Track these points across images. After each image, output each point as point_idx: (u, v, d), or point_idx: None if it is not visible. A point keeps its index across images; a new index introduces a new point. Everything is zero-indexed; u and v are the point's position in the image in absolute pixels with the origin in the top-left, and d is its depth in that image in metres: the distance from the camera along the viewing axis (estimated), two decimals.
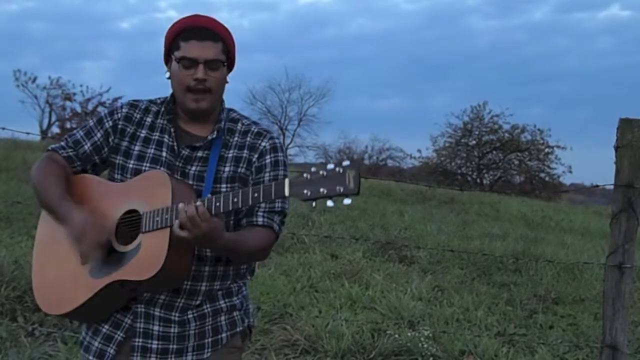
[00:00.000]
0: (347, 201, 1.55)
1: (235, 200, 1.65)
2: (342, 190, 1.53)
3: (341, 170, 1.54)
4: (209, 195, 1.73)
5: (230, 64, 1.93)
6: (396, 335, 4.28)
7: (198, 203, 1.67)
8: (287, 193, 1.58)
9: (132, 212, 1.82)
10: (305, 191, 1.56)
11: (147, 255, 1.74)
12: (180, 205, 1.67)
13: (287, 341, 4.21)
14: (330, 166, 1.57)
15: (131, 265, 1.76)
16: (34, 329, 3.99)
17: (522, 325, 5.08)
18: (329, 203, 1.56)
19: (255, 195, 1.63)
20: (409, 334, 4.31)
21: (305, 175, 1.58)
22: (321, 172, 1.56)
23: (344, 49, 59.67)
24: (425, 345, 4.15)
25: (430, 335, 4.35)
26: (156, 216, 1.74)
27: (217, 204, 1.67)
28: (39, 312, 4.07)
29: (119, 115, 1.96)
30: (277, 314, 4.72)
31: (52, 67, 51.93)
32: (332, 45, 59.74)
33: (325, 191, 1.54)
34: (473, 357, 4.19)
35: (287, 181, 1.59)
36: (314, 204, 1.57)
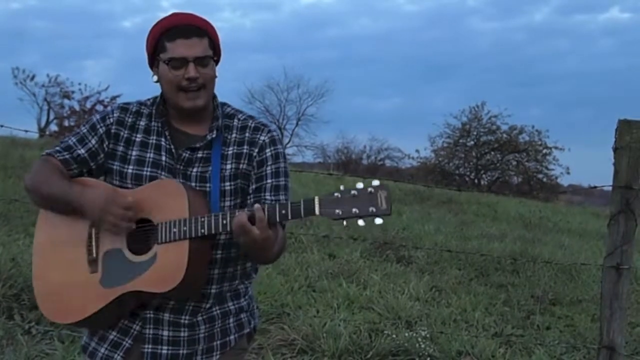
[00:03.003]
0: (378, 221, 1.56)
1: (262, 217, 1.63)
2: (374, 210, 1.55)
3: (372, 190, 1.56)
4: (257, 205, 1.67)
5: (217, 58, 1.91)
6: (393, 336, 4.28)
7: (256, 208, 1.64)
8: (317, 212, 1.58)
9: (142, 221, 1.77)
10: (337, 211, 1.57)
11: (166, 267, 1.71)
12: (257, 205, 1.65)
13: (285, 341, 4.20)
14: (360, 185, 1.58)
15: (148, 277, 1.73)
16: (31, 327, 3.98)
17: (519, 326, 5.08)
18: (360, 222, 1.57)
19: (283, 212, 1.63)
20: (407, 334, 4.31)
21: (335, 194, 1.59)
22: (352, 192, 1.57)
23: (345, 49, 59.72)
24: (423, 346, 4.14)
25: (428, 335, 4.35)
26: (173, 227, 1.71)
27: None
28: (35, 310, 4.06)
29: (112, 119, 1.91)
30: (275, 313, 4.71)
31: (53, 65, 51.81)
32: (333, 46, 59.77)
33: (358, 211, 1.56)
34: (470, 357, 4.18)
35: (317, 199, 1.59)
36: (344, 222, 1.58)
